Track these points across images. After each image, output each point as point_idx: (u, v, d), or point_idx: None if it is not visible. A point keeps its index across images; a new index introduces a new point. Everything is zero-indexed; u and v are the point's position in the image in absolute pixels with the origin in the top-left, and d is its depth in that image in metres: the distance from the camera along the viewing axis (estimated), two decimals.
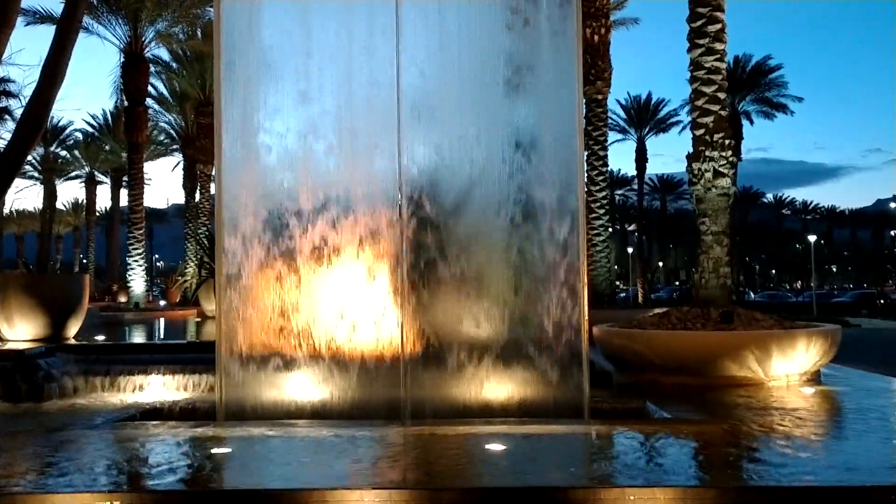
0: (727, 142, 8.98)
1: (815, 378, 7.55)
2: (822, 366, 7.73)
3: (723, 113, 9.13)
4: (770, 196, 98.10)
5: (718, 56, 9.17)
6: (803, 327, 7.88)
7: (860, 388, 7.36)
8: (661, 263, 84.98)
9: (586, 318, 5.91)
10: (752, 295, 62.82)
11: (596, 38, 18.04)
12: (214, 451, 4.80)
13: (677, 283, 79.38)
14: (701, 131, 9.06)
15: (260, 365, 5.95)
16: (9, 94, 31.59)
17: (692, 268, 10.03)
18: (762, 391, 6.89)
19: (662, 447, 4.81)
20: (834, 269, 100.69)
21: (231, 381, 5.89)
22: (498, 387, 5.90)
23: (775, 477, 4.04)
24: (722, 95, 9.15)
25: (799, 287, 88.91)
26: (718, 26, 9.13)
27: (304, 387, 5.97)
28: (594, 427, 5.43)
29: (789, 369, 7.31)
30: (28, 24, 25.51)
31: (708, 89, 9.11)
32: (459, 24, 6.17)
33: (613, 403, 6.37)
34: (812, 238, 54.81)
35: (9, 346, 8.49)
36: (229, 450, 4.85)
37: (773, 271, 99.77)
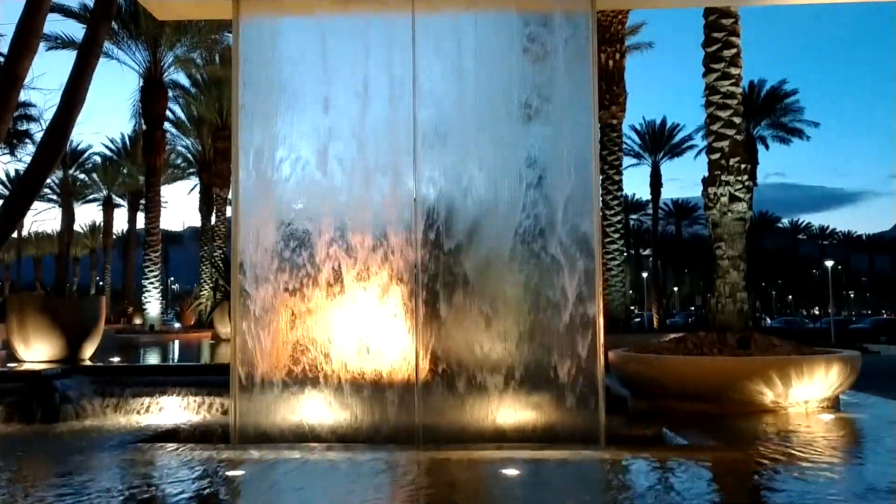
0: (743, 166, 8.95)
1: (833, 405, 7.45)
2: (841, 392, 7.63)
3: (738, 137, 9.12)
4: (786, 221, 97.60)
5: (734, 81, 9.18)
6: (822, 353, 7.79)
7: (880, 416, 7.27)
8: (675, 289, 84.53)
9: (602, 343, 5.87)
10: (769, 321, 62.24)
11: (611, 63, 18.16)
12: (228, 474, 4.79)
13: (692, 308, 78.85)
14: (716, 156, 9.05)
15: (274, 388, 5.94)
16: (30, 118, 31.99)
17: (707, 293, 9.95)
18: (780, 418, 6.81)
19: (679, 474, 4.75)
20: (851, 295, 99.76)
21: (245, 405, 5.89)
22: (512, 412, 5.85)
23: None
24: (737, 120, 9.15)
25: (816, 313, 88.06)
26: (734, 51, 9.15)
27: (317, 411, 5.95)
28: (610, 453, 5.38)
29: (808, 396, 7.23)
30: (49, 48, 25.95)
31: (723, 114, 9.11)
32: (475, 49, 6.21)
33: (630, 430, 6.30)
34: (829, 263, 54.32)
35: (25, 366, 8.54)
36: (242, 473, 4.84)
37: (790, 297, 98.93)
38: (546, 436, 5.71)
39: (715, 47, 9.20)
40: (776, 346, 7.90)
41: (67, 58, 23.15)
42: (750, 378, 7.15)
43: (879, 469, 4.99)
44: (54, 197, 53.46)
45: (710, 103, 9.25)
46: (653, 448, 5.65)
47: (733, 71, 9.15)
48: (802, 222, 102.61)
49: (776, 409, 7.12)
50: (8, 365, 8.91)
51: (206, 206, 35.94)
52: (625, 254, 18.76)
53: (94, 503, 4.02)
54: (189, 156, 42.01)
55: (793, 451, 5.31)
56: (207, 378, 7.55)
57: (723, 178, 8.89)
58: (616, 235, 17.71)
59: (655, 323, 45.34)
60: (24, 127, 32.45)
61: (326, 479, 4.76)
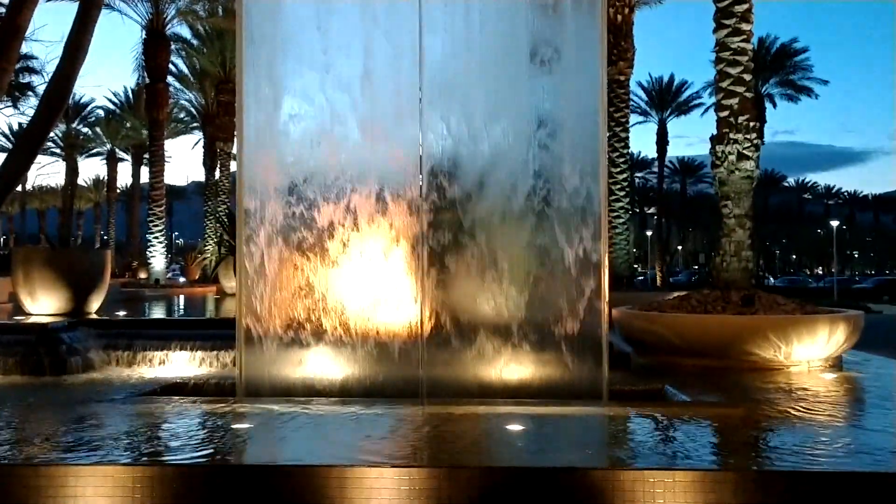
0: (752, 124, 8.87)
1: (836, 364, 7.49)
2: (843, 352, 7.67)
3: (748, 95, 9.01)
4: (792, 180, 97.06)
5: (745, 37, 9.04)
6: (825, 312, 7.81)
7: (881, 375, 7.30)
8: (679, 247, 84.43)
9: (606, 300, 5.88)
10: (773, 280, 62.31)
11: (619, 17, 17.86)
12: (234, 426, 4.84)
13: (696, 266, 78.86)
14: (725, 113, 8.96)
15: (279, 342, 5.98)
16: (32, 71, 31.77)
17: (711, 251, 9.96)
18: (782, 376, 6.85)
19: (681, 430, 4.79)
20: (856, 255, 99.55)
21: (251, 358, 5.93)
22: (516, 368, 5.90)
23: (794, 461, 4.02)
24: (747, 77, 9.03)
25: (820, 272, 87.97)
26: (746, 6, 8.99)
27: (322, 365, 5.99)
28: (612, 409, 5.42)
29: (810, 354, 7.26)
30: None
31: (733, 70, 8.99)
32: (483, 2, 6.11)
33: (632, 386, 6.35)
34: (835, 223, 54.19)
35: (32, 319, 8.59)
36: (249, 426, 4.89)
37: (794, 256, 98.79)
38: (549, 391, 5.75)
39: (726, 2, 9.04)
40: (780, 304, 7.91)
41: (69, 9, 22.85)
42: (753, 336, 7.18)
43: (877, 426, 5.03)
44: (57, 150, 53.28)
45: (719, 60, 9.13)
46: (655, 404, 5.69)
47: (744, 27, 9.01)
48: (809, 181, 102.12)
49: (779, 367, 7.16)
50: (15, 318, 8.97)
51: (209, 161, 35.78)
52: (630, 212, 18.68)
53: (100, 454, 4.07)
54: (192, 110, 41.71)
55: (794, 409, 5.35)
56: (213, 332, 7.60)
57: (731, 135, 8.82)
58: (622, 193, 17.60)
59: (659, 281, 45.49)
60: (27, 79, 32.24)
61: (330, 431, 4.81)
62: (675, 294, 9.03)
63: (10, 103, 31.71)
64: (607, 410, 5.43)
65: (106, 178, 60.09)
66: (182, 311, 13.34)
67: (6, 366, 6.88)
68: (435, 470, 3.78)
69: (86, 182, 68.21)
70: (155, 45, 26.37)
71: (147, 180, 28.79)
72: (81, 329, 7.69)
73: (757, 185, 9.19)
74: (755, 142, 8.84)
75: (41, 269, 9.09)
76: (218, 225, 27.57)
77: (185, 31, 31.75)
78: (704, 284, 10.72)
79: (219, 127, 32.62)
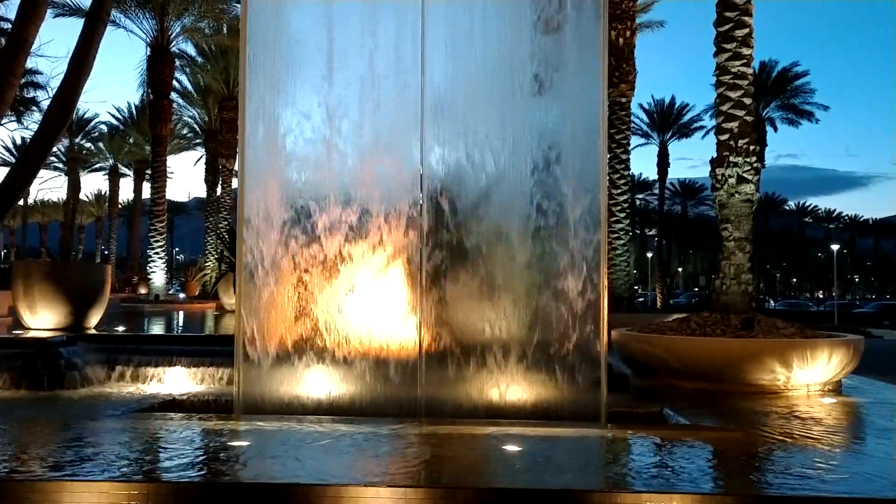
0: (752, 147, 8.90)
1: (836, 388, 7.47)
2: (843, 376, 7.65)
3: (748, 118, 9.05)
4: (792, 203, 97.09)
5: (745, 61, 9.09)
6: (825, 337, 7.79)
7: (881, 401, 7.27)
8: (680, 269, 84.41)
9: (605, 321, 5.87)
10: (773, 303, 62.21)
11: (621, 40, 17.99)
12: (231, 443, 4.83)
13: (696, 288, 78.81)
14: (725, 136, 8.99)
15: (278, 360, 5.97)
16: (36, 86, 31.94)
17: (712, 274, 9.94)
18: (781, 400, 6.83)
19: (680, 453, 4.78)
20: (856, 279, 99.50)
21: (249, 376, 5.91)
22: (514, 388, 5.87)
23: (793, 486, 4.00)
24: (748, 101, 9.08)
25: (820, 296, 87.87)
26: (746, 31, 9.06)
27: (321, 383, 5.98)
28: (611, 431, 5.40)
29: (810, 378, 7.24)
30: (57, 15, 25.82)
31: (734, 94, 9.04)
32: (485, 24, 6.16)
33: (631, 408, 6.33)
34: (835, 247, 54.23)
35: (31, 333, 8.58)
36: (245, 443, 4.87)
37: (794, 279, 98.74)
38: (547, 412, 5.74)
39: (727, 27, 9.11)
40: (780, 328, 7.90)
41: (75, 25, 23.01)
42: (752, 360, 7.16)
43: (877, 452, 5.01)
44: (60, 165, 53.46)
45: (720, 83, 9.18)
46: (653, 427, 5.67)
47: (745, 51, 9.07)
48: (810, 205, 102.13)
49: (778, 391, 7.14)
50: (14, 332, 8.96)
51: (211, 177, 35.89)
52: (630, 233, 18.72)
53: (95, 470, 4.05)
54: (195, 126, 41.94)
55: (793, 433, 5.33)
56: (212, 348, 7.59)
57: (731, 159, 8.85)
58: (622, 215, 17.65)
59: (659, 302, 45.42)
60: (31, 94, 32.40)
61: (328, 450, 4.79)
62: (675, 316, 9.03)
63: (14, 118, 31.84)
64: (606, 432, 5.41)
65: (108, 192, 60.23)
66: (181, 327, 13.32)
67: (4, 380, 6.86)
68: (432, 490, 3.76)
69: (88, 197, 68.40)
70: (159, 62, 26.56)
71: (149, 196, 28.88)
72: (80, 344, 7.67)
73: (757, 207, 9.21)
74: (755, 165, 8.87)
75: (41, 283, 9.10)
76: (219, 241, 27.60)
77: (189, 49, 32.02)
78: (704, 307, 10.72)
79: (221, 143, 32.77)
